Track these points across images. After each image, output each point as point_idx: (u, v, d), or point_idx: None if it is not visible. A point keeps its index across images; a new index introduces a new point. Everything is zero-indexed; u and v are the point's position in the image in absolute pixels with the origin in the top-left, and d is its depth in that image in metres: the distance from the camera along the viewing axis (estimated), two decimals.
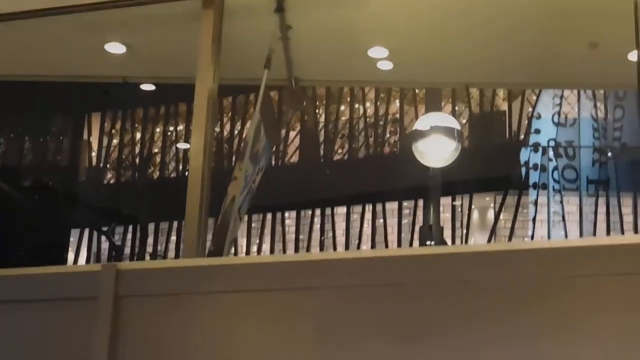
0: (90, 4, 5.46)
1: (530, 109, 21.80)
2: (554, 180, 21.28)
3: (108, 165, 25.50)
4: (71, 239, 24.38)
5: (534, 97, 21.66)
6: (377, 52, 6.00)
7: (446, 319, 3.06)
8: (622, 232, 19.57)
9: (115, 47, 6.03)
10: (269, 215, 22.94)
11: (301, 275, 3.29)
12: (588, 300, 2.96)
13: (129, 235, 24.17)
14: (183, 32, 5.58)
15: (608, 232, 19.75)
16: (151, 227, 24.22)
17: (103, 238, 23.71)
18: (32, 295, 3.64)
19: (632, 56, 5.80)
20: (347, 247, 21.54)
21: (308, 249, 21.87)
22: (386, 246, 21.20)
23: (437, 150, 9.91)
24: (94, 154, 25.70)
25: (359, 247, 21.45)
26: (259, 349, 3.28)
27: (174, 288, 3.43)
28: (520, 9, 5.48)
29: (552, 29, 5.62)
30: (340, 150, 23.46)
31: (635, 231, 19.10)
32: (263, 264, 3.47)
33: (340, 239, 22.69)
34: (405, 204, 22.09)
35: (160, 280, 3.48)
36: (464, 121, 21.40)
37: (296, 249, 22.14)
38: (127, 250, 23.74)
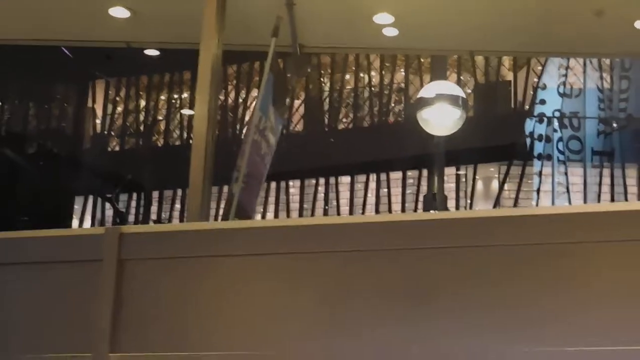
0: None
1: (535, 79, 21.75)
2: (559, 151, 21.27)
3: (112, 133, 25.50)
4: (75, 206, 24.46)
5: (540, 68, 21.61)
6: (383, 18, 5.97)
7: (450, 283, 3.06)
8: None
9: (119, 12, 6.00)
10: (273, 184, 22.98)
11: (305, 239, 3.29)
12: (591, 265, 2.96)
13: (133, 203, 24.22)
14: None
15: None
16: (155, 194, 24.28)
17: (107, 205, 23.78)
18: (36, 257, 3.64)
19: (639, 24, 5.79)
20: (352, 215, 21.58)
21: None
22: None
23: (442, 118, 9.89)
24: (98, 121, 25.70)
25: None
26: (262, 313, 3.29)
27: (177, 251, 3.43)
28: None
29: None
30: (344, 119, 23.44)
31: None
32: (266, 228, 3.47)
33: (344, 208, 22.73)
34: (409, 173, 22.10)
35: (163, 244, 3.48)
36: (469, 91, 21.36)
37: (300, 218, 22.18)
38: (131, 217, 23.80)
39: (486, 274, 3.03)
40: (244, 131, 23.79)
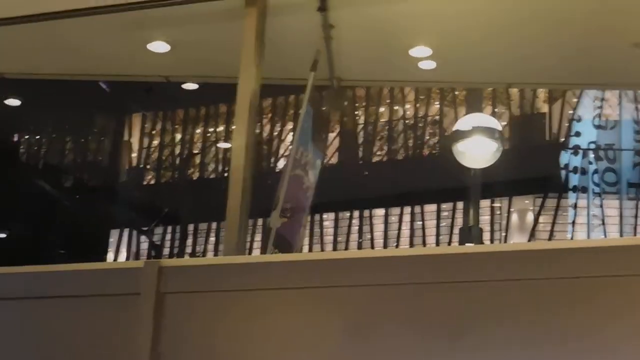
0: (133, 2, 5.49)
1: (570, 112, 21.67)
2: (594, 183, 21.14)
3: (148, 166, 25.66)
4: (111, 239, 24.58)
5: (575, 100, 21.53)
6: (419, 51, 5.98)
7: (484, 318, 3.04)
8: None
9: (158, 46, 6.05)
10: (308, 217, 22.98)
11: (339, 273, 3.29)
12: (628, 299, 2.93)
13: (168, 236, 24.31)
14: (226, 31, 5.59)
15: None
16: (190, 227, 24.36)
17: (142, 238, 23.88)
18: (75, 291, 3.66)
19: None
20: (385, 249, 21.53)
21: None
22: None
23: (478, 151, 9.86)
24: (134, 154, 25.88)
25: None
26: (298, 346, 3.28)
27: (216, 285, 3.44)
28: (563, 7, 5.44)
29: (595, 28, 5.58)
30: (379, 152, 23.45)
31: None
32: (302, 262, 3.47)
33: (379, 240, 22.69)
34: (444, 205, 22.04)
35: (202, 277, 3.48)
36: (504, 123, 21.31)
37: (334, 251, 22.16)
38: (166, 250, 23.88)
39: (521, 308, 3.00)
40: (278, 164, 23.87)
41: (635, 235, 20.15)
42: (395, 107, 23.40)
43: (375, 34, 5.82)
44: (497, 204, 21.69)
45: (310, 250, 22.66)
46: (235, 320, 3.39)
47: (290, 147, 22.30)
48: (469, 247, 5.36)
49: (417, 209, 22.37)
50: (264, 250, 4.74)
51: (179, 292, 3.48)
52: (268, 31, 5.12)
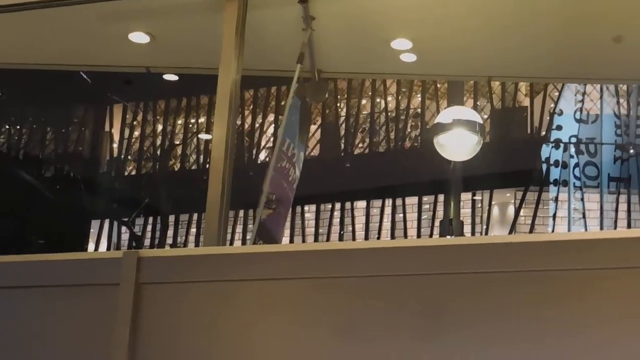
0: None
1: (552, 105, 21.73)
2: (575, 177, 21.21)
3: (129, 157, 25.59)
4: (92, 230, 24.52)
5: (556, 93, 21.60)
6: (401, 43, 5.98)
7: (465, 310, 3.05)
8: None
9: (139, 37, 6.03)
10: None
11: (322, 264, 3.29)
12: (607, 293, 2.94)
13: (149, 227, 24.26)
14: (207, 22, 5.58)
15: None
16: (171, 218, 24.32)
17: (123, 229, 23.83)
18: (53, 281, 3.65)
19: None
20: (366, 241, 21.55)
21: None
22: None
23: (459, 144, 9.88)
24: (115, 145, 25.80)
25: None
26: (279, 338, 3.28)
27: (195, 275, 3.44)
28: (545, 2, 5.45)
29: (576, 22, 5.59)
30: (360, 144, 23.46)
31: None
32: (282, 253, 3.47)
33: (360, 233, 22.71)
34: (425, 198, 22.08)
35: (181, 268, 3.48)
36: (486, 116, 21.36)
37: (316, 242, 22.17)
38: (147, 241, 23.84)
39: (502, 300, 3.01)
40: (260, 156, 23.85)
41: (615, 228, 20.25)
42: (377, 100, 23.41)
43: (356, 25, 5.82)
44: (478, 197, 21.75)
45: (291, 242, 22.67)
46: (214, 311, 3.39)
47: (272, 138, 22.18)
48: (450, 239, 5.37)
49: (399, 201, 22.40)
50: (253, 242, 4.77)
51: (158, 282, 3.48)
52: (249, 23, 5.11)
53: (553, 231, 20.50)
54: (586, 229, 20.38)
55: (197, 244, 22.78)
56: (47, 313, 3.64)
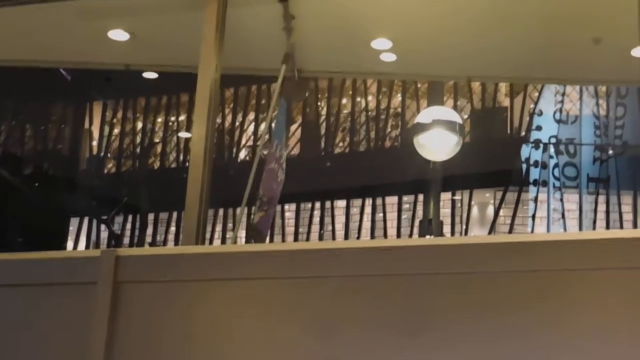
0: None
1: (532, 106, 21.79)
2: (555, 177, 21.28)
3: (109, 154, 25.50)
4: (70, 227, 24.42)
5: (536, 94, 21.65)
6: (381, 43, 6.00)
7: (445, 310, 3.06)
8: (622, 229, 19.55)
9: (119, 34, 6.02)
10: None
11: (300, 264, 3.29)
12: (586, 294, 2.96)
13: (129, 225, 24.19)
14: (187, 20, 5.58)
15: (607, 230, 19.74)
16: (151, 217, 24.24)
17: (102, 227, 23.73)
18: (32, 279, 3.64)
19: (636, 52, 5.81)
20: (346, 240, 21.53)
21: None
22: None
23: (438, 144, 9.89)
24: (94, 142, 25.70)
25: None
26: (257, 338, 3.28)
27: (173, 275, 3.43)
28: (525, 4, 5.47)
29: (555, 23, 5.61)
30: (341, 144, 23.46)
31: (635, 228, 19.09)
32: (262, 253, 3.47)
33: (340, 232, 22.71)
34: (405, 198, 22.10)
35: (159, 267, 3.48)
36: (466, 116, 21.40)
37: (295, 242, 22.14)
38: (127, 239, 23.76)
39: (482, 301, 3.02)
40: (240, 155, 23.81)
41: (594, 229, 20.33)
42: (358, 99, 23.41)
43: (336, 25, 5.83)
44: (457, 197, 21.78)
45: (271, 241, 22.64)
46: (193, 311, 3.38)
47: (252, 137, 22.11)
48: (429, 239, 5.38)
49: (379, 200, 22.40)
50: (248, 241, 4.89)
51: (136, 281, 3.48)
52: (229, 21, 5.11)
53: (532, 231, 20.55)
54: (565, 229, 20.44)
55: (176, 243, 22.71)
56: (24, 312, 3.63)
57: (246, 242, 5.01)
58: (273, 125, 5.39)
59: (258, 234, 5.11)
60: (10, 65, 6.90)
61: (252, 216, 5.01)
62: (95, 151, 25.65)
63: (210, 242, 21.37)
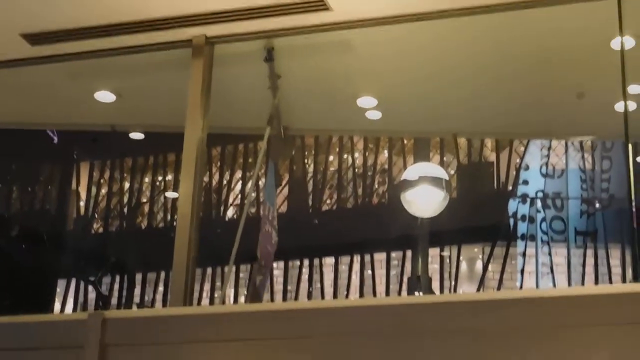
0: (80, 52, 5.47)
1: (518, 160, 21.86)
2: (542, 231, 21.29)
3: (96, 215, 25.44)
4: (58, 289, 24.26)
5: (522, 148, 21.74)
6: (366, 101, 6.02)
7: None
8: (611, 283, 19.56)
9: (105, 96, 6.04)
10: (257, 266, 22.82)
11: (289, 323, 3.27)
12: (576, 350, 2.94)
13: (116, 285, 24.05)
14: (173, 81, 5.60)
15: (596, 284, 19.73)
16: (138, 277, 24.12)
17: (90, 288, 23.60)
18: (18, 343, 3.61)
19: (619, 107, 5.84)
20: (335, 298, 21.46)
21: (296, 300, 21.78)
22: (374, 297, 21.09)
23: (425, 200, 9.89)
24: (82, 203, 25.65)
25: (347, 298, 21.37)
26: None
27: (161, 337, 3.40)
28: (508, 61, 5.52)
29: (540, 80, 5.66)
30: (328, 201, 23.47)
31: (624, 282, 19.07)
32: (250, 313, 3.45)
33: (329, 289, 22.62)
34: (393, 254, 22.06)
35: (147, 329, 3.45)
36: (452, 172, 21.44)
37: (284, 300, 22.04)
38: (114, 300, 23.61)
39: (472, 357, 3.00)
40: (227, 213, 23.78)
41: (583, 282, 20.30)
42: (345, 156, 23.47)
43: (322, 84, 5.86)
44: (446, 252, 21.75)
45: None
46: None
47: (239, 195, 22.09)
48: (418, 297, 5.39)
49: (367, 257, 22.35)
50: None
51: (123, 344, 3.45)
52: (215, 81, 5.14)
53: (522, 286, 20.52)
54: (554, 283, 20.41)
55: (164, 303, 22.58)
56: None
57: (246, 302, 5.15)
58: (261, 184, 5.45)
59: (256, 296, 5.23)
60: None
61: (250, 276, 5.15)
62: (82, 211, 25.58)
63: (199, 302, 21.24)
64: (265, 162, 5.43)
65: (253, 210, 19.37)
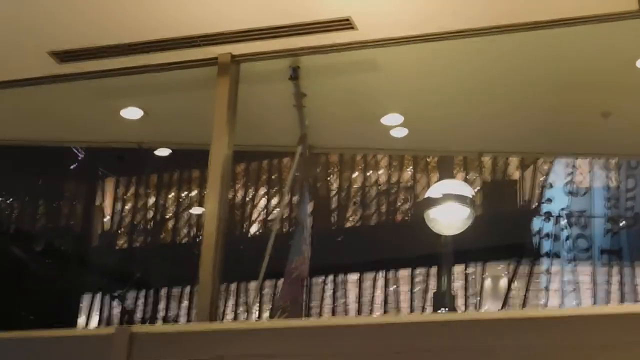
0: (107, 70, 5.52)
1: (542, 178, 21.78)
2: (567, 249, 21.19)
3: (120, 230, 25.53)
4: (82, 304, 24.35)
5: (546, 167, 21.66)
6: (391, 119, 6.04)
7: None
8: (637, 302, 19.44)
9: (132, 112, 6.08)
10: (281, 282, 22.81)
11: (314, 340, 3.29)
12: None
13: (141, 300, 24.11)
14: (198, 99, 5.64)
15: (622, 302, 19.62)
16: (163, 291, 24.17)
17: (115, 303, 23.68)
18: (45, 358, 3.63)
19: None
20: (359, 314, 21.43)
21: (320, 317, 21.76)
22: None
23: (449, 218, 9.85)
24: (106, 219, 25.75)
25: (371, 314, 21.34)
26: None
27: (187, 352, 3.42)
28: (533, 81, 5.52)
29: (565, 100, 5.66)
30: (352, 218, 23.46)
31: None
32: (276, 329, 3.46)
33: (353, 305, 22.59)
34: (417, 271, 22.01)
35: (173, 344, 3.47)
36: (476, 189, 21.38)
37: (308, 316, 22.01)
38: (139, 315, 23.66)
39: None
40: (251, 229, 23.81)
41: (608, 301, 20.19)
42: (369, 173, 23.45)
43: (347, 102, 5.88)
44: (470, 270, 21.67)
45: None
46: None
47: (263, 211, 22.11)
48: (443, 314, 5.38)
49: (391, 274, 22.31)
50: None
51: (150, 358, 3.46)
52: (240, 99, 5.17)
53: (547, 303, 20.42)
54: (580, 302, 20.30)
55: (189, 318, 22.61)
56: None
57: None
58: (287, 199, 5.47)
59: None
60: (26, 144, 6.96)
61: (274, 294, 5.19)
62: (107, 227, 25.68)
63: (223, 317, 21.26)
64: (294, 180, 5.43)
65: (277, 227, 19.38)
